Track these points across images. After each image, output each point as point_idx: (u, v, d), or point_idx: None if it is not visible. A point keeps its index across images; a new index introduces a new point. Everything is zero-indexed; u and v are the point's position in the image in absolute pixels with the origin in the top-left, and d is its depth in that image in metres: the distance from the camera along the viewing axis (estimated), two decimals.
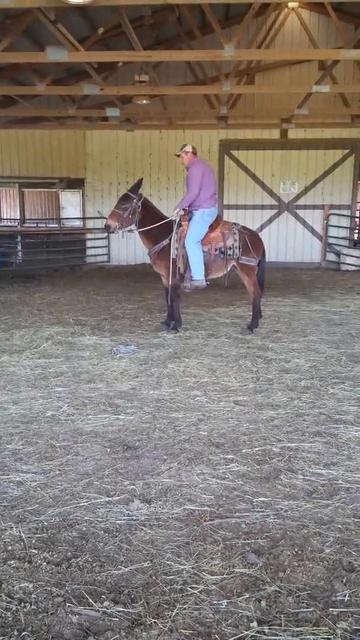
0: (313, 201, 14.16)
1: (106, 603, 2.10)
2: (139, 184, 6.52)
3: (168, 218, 6.50)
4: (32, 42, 9.94)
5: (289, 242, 14.36)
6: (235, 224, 6.65)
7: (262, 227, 14.04)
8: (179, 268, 6.44)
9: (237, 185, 14.17)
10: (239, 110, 12.88)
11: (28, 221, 14.89)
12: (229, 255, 6.43)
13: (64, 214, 14.76)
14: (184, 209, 6.47)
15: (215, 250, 6.42)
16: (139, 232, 6.56)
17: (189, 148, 6.45)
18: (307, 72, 13.14)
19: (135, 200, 6.37)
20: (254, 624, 2.00)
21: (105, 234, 13.34)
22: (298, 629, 1.98)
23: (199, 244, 6.32)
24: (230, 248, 6.42)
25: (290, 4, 11.40)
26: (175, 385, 4.71)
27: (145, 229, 6.46)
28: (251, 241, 6.54)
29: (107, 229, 6.50)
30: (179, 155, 6.52)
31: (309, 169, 14.04)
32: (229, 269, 6.58)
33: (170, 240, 6.39)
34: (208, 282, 6.50)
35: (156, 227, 6.44)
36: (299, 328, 6.92)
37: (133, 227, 6.56)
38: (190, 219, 6.39)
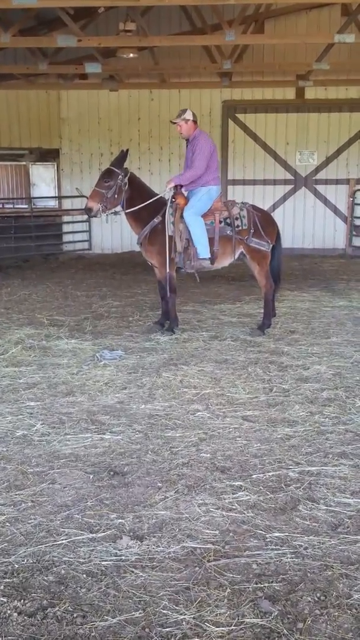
0: (336, 175, 14.17)
1: None
2: (124, 156, 6.52)
3: (160, 195, 6.54)
4: None
5: (307, 225, 14.37)
6: (244, 203, 6.72)
7: (274, 207, 14.05)
8: (175, 245, 6.43)
9: (244, 155, 14.17)
10: (246, 65, 12.84)
11: None
12: (237, 227, 6.44)
13: (35, 192, 14.72)
14: (176, 186, 6.48)
15: (220, 222, 6.45)
16: (126, 214, 6.57)
17: (189, 115, 6.41)
18: (328, 19, 13.14)
19: (120, 177, 6.37)
20: None
21: (86, 217, 13.32)
22: None
23: (201, 218, 6.38)
24: (237, 218, 6.45)
25: None
26: (171, 397, 4.72)
27: (134, 209, 6.47)
28: (262, 222, 6.56)
29: (87, 212, 6.50)
30: (175, 123, 6.52)
31: (330, 135, 14.05)
32: (237, 255, 6.60)
33: (163, 216, 6.40)
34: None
35: (146, 208, 6.45)
36: (319, 328, 6.94)
37: (119, 208, 6.57)
38: (189, 194, 6.47)
